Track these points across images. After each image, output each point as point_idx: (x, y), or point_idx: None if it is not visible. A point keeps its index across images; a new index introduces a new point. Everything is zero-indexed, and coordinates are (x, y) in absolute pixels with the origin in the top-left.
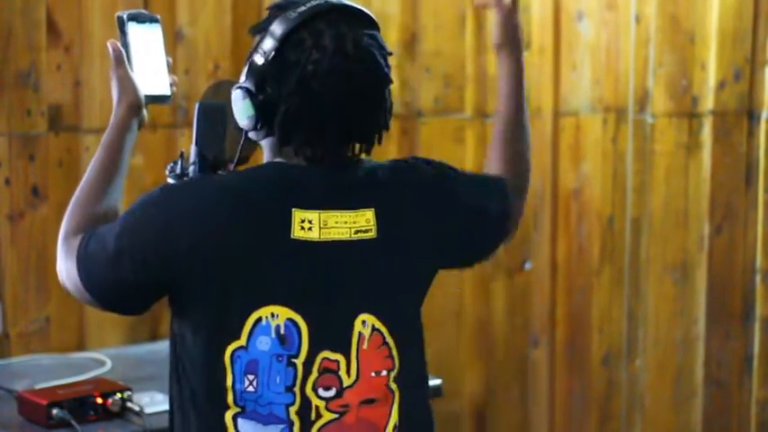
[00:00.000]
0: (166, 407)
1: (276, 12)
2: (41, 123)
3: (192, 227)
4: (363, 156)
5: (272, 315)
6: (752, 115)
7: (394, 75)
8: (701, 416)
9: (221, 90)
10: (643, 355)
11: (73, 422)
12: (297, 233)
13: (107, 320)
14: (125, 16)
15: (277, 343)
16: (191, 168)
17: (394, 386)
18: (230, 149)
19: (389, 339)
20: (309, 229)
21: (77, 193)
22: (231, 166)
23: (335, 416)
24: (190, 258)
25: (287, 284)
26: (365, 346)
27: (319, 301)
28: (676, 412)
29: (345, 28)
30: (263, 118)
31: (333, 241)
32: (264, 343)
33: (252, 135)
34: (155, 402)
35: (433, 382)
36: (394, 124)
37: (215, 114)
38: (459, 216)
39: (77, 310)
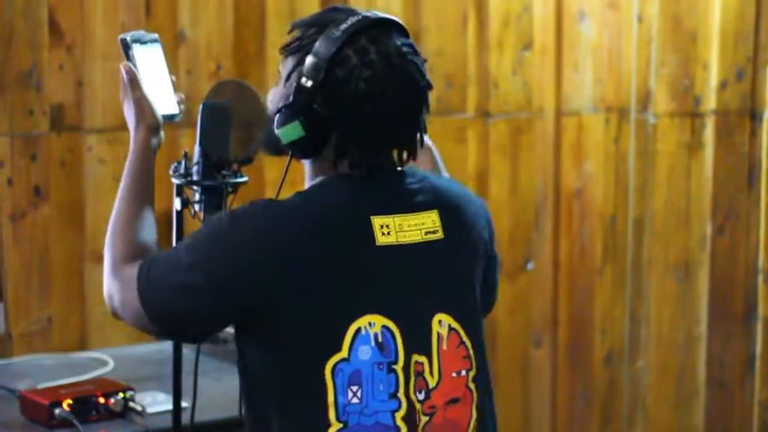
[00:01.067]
0: (168, 407)
1: (310, 30)
2: (43, 123)
3: (270, 251)
4: (410, 160)
5: (370, 324)
6: (754, 115)
7: None
8: (702, 416)
9: (224, 90)
10: (645, 355)
11: (75, 422)
12: (380, 240)
13: (109, 320)
14: (128, 38)
15: (377, 351)
16: (194, 168)
17: (473, 386)
18: (234, 149)
19: (466, 339)
20: (388, 234)
21: (114, 223)
22: (234, 167)
23: (427, 418)
24: (269, 284)
25: (377, 291)
26: (445, 347)
27: (405, 305)
28: (678, 412)
29: (387, 42)
30: (318, 139)
31: (408, 244)
32: (365, 353)
33: (299, 154)
34: (157, 402)
35: None
36: None
37: (219, 114)
38: (491, 246)
39: (79, 310)
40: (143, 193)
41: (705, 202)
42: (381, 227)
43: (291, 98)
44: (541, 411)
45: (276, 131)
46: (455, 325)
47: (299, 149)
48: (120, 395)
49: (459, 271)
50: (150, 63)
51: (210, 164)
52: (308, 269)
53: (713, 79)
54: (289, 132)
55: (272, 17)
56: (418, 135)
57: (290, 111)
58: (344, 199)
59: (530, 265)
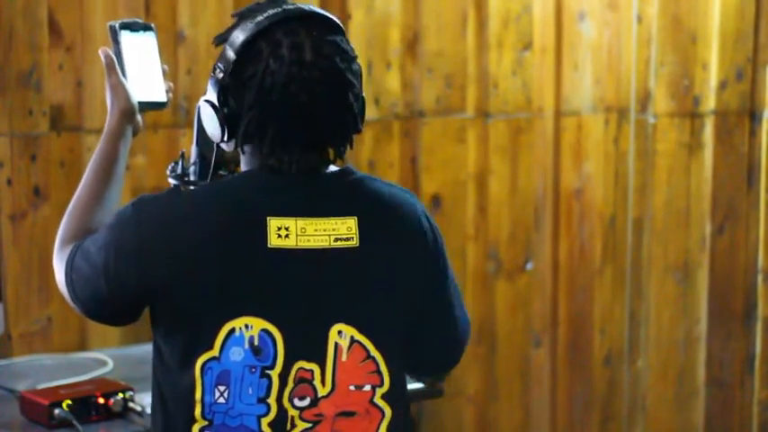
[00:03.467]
0: None
1: (237, 21)
2: (43, 123)
3: (163, 242)
4: (337, 161)
5: (246, 326)
6: (753, 115)
7: (395, 74)
8: (702, 416)
9: None
10: (645, 355)
11: (75, 422)
12: (273, 242)
13: None
14: (117, 25)
15: (250, 354)
16: (191, 168)
17: (382, 403)
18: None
19: (375, 354)
20: (287, 236)
21: (73, 200)
22: (238, 169)
23: (309, 425)
24: (164, 273)
25: (262, 295)
26: (344, 358)
27: (294, 311)
28: (678, 412)
29: (304, 36)
30: (230, 130)
31: (310, 249)
32: (237, 354)
33: (223, 146)
34: None
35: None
36: (395, 124)
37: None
38: (435, 285)
39: None
40: (106, 176)
41: (705, 202)
42: (279, 228)
43: (208, 89)
44: (541, 411)
45: (203, 121)
46: (359, 337)
47: (218, 141)
48: (120, 395)
49: (372, 282)
50: (139, 50)
51: (207, 164)
52: (191, 263)
53: (713, 79)
54: (208, 123)
55: None
56: (342, 135)
57: (207, 102)
58: (243, 196)
59: (529, 265)
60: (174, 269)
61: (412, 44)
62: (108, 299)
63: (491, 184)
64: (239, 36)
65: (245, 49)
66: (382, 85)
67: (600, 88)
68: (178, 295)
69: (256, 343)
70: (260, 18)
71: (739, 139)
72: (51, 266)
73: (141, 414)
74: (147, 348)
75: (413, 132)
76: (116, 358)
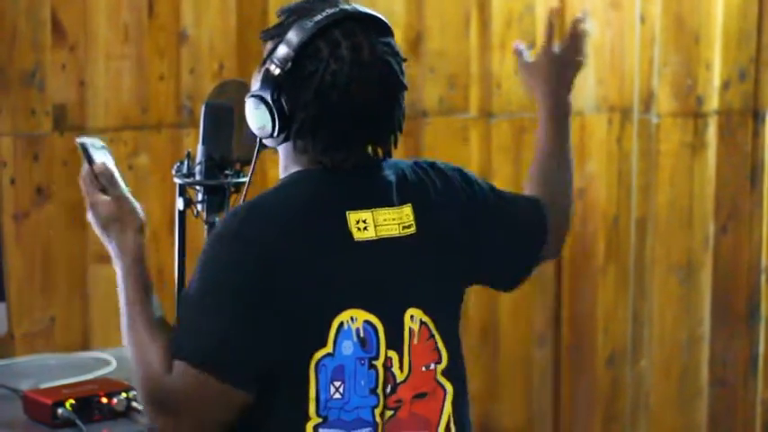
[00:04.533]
0: None
1: (290, 18)
2: (46, 123)
3: (249, 265)
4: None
5: (352, 319)
6: (757, 115)
7: None
8: (706, 416)
9: (227, 90)
10: (648, 355)
11: (78, 422)
12: (357, 235)
13: (112, 320)
14: (87, 142)
15: (359, 346)
16: (197, 168)
17: (443, 380)
18: (237, 149)
19: (435, 332)
20: (365, 228)
21: (132, 334)
22: (247, 168)
23: (391, 412)
24: (264, 289)
25: (359, 286)
26: (416, 341)
27: (385, 300)
28: (681, 412)
29: (361, 36)
30: (280, 126)
31: (387, 238)
32: (348, 348)
33: (267, 142)
34: None
35: None
36: None
37: (222, 114)
38: (489, 221)
39: (82, 310)
40: (149, 298)
41: (708, 202)
42: (357, 221)
43: (259, 84)
44: (544, 411)
45: (247, 116)
46: (425, 319)
47: (264, 136)
48: (123, 395)
49: (431, 264)
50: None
51: (213, 164)
52: (289, 270)
53: (716, 79)
54: (256, 118)
55: (275, 17)
56: (390, 134)
57: (258, 97)
58: (317, 195)
59: None
60: (271, 281)
61: (415, 44)
62: (249, 327)
63: (495, 184)
64: (298, 34)
65: (303, 48)
66: None
67: (603, 88)
68: (280, 303)
69: (362, 335)
70: (319, 17)
71: (742, 138)
72: (54, 266)
73: (144, 414)
74: None
75: (416, 132)
76: (119, 358)
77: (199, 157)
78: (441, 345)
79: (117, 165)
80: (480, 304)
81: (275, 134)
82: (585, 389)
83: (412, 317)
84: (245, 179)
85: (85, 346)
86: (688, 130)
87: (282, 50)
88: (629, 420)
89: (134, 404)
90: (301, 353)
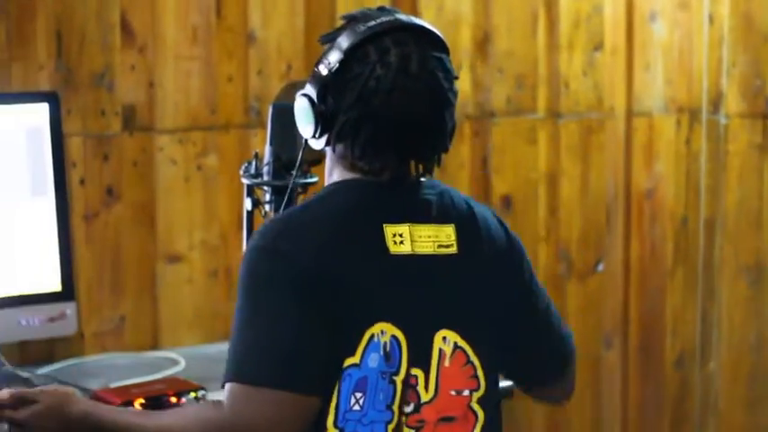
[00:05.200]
0: None
1: (347, 23)
2: (115, 124)
3: (298, 273)
4: (424, 176)
5: (382, 332)
6: None
7: (465, 74)
8: None
9: (295, 91)
10: (717, 357)
11: None
12: (393, 248)
13: (181, 320)
14: None
15: (383, 360)
16: (264, 169)
17: (477, 407)
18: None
19: (474, 359)
20: (401, 242)
21: None
22: (303, 167)
23: (412, 431)
24: (303, 295)
25: (391, 301)
26: (447, 363)
27: (413, 317)
28: (750, 414)
29: (412, 47)
30: (323, 127)
31: (422, 255)
32: (374, 360)
33: (312, 143)
34: None
35: (505, 382)
36: (466, 125)
37: (289, 115)
38: (526, 295)
39: (152, 310)
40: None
41: None
42: (394, 235)
43: (307, 84)
44: (612, 413)
45: (296, 114)
46: (462, 343)
47: (309, 136)
48: (192, 394)
49: (472, 289)
50: None
51: (280, 164)
52: (326, 283)
53: None
54: (302, 117)
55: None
56: (432, 150)
57: (305, 96)
58: (354, 207)
59: (600, 267)
60: (309, 289)
61: (482, 44)
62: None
63: (562, 185)
64: (349, 38)
65: (353, 51)
66: None
67: (671, 89)
68: (322, 310)
69: (388, 349)
70: (372, 23)
71: None
72: (124, 265)
73: None
74: (219, 348)
75: (483, 133)
76: (188, 357)
77: (266, 157)
78: (480, 372)
79: (185, 164)
80: None
81: (317, 135)
82: (654, 391)
83: (444, 338)
84: (313, 179)
85: (155, 345)
86: (756, 130)
87: (333, 52)
88: (697, 422)
89: None
90: (336, 360)
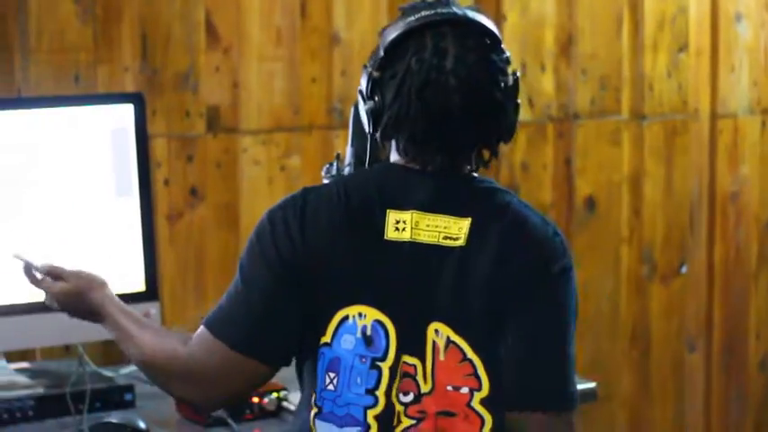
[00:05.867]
0: None
1: (399, 16)
2: (200, 124)
3: (293, 233)
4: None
5: (360, 315)
6: None
7: (549, 76)
8: None
9: None
10: None
11: (230, 420)
12: (390, 234)
13: None
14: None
15: (362, 343)
16: (346, 169)
17: (481, 409)
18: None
19: (473, 357)
20: (403, 229)
21: (145, 348)
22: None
23: (413, 422)
24: (291, 264)
25: (377, 285)
26: (441, 357)
27: (404, 304)
28: None
29: (450, 42)
30: (375, 123)
31: (420, 243)
32: (348, 342)
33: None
34: None
35: (587, 384)
36: (549, 126)
37: None
38: (544, 314)
39: None
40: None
41: None
42: (397, 221)
43: (361, 79)
44: (695, 416)
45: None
46: (455, 338)
47: (368, 131)
48: (274, 394)
49: (473, 286)
50: None
51: (362, 165)
52: (312, 250)
53: None
54: (362, 113)
55: None
56: (472, 147)
57: (359, 93)
58: (369, 189)
59: (684, 269)
60: (299, 257)
61: (566, 46)
62: (267, 311)
63: (646, 187)
64: (391, 33)
65: (393, 47)
66: (536, 86)
67: (756, 90)
68: (302, 282)
69: (369, 333)
70: (411, 18)
71: None
72: (207, 266)
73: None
74: None
75: (567, 134)
76: None
77: (348, 158)
78: (482, 371)
79: (268, 165)
80: (631, 307)
81: (370, 131)
82: (737, 394)
83: (437, 331)
84: None
85: None
86: None
87: (378, 48)
88: None
89: (284, 404)
90: (311, 340)
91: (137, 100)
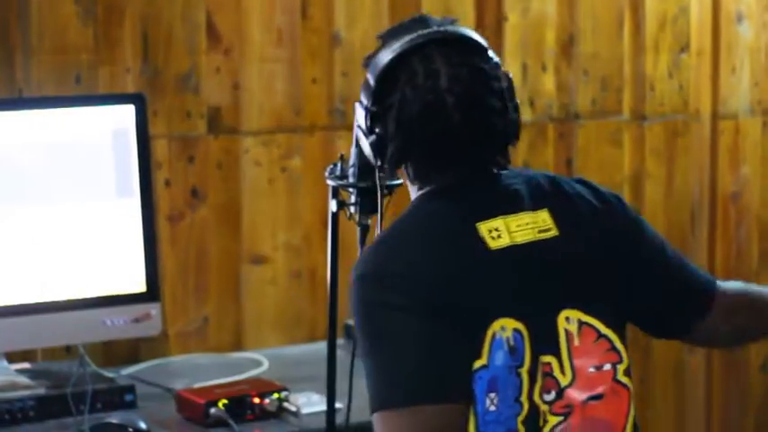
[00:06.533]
0: (323, 407)
1: (381, 45)
2: (201, 125)
3: (410, 291)
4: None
5: (502, 328)
6: None
7: (550, 76)
8: None
9: None
10: None
11: (230, 421)
12: (492, 244)
13: (265, 321)
14: None
15: (509, 355)
16: (350, 171)
17: (626, 379)
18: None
19: (607, 332)
20: (499, 236)
21: None
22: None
23: (560, 418)
24: (422, 313)
25: (503, 296)
26: (576, 343)
27: (529, 305)
28: None
29: (440, 61)
30: (380, 156)
31: (523, 244)
32: (500, 358)
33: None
34: (311, 403)
35: None
36: (551, 127)
37: None
38: (641, 240)
39: (235, 311)
40: None
41: None
42: (490, 231)
43: (356, 112)
44: (696, 418)
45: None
46: (587, 319)
47: (374, 164)
48: (275, 395)
49: (582, 263)
50: None
51: (368, 168)
52: (439, 293)
53: None
54: (364, 147)
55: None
56: (488, 156)
57: (359, 128)
58: (445, 212)
59: None
60: (431, 301)
61: (567, 46)
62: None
63: (647, 187)
64: (378, 64)
65: (383, 78)
66: (537, 86)
67: (758, 91)
68: (441, 320)
69: (512, 343)
70: (396, 45)
71: None
72: (208, 267)
73: (296, 414)
74: (302, 349)
75: (568, 135)
76: (271, 358)
77: (352, 159)
78: (618, 344)
79: (269, 166)
80: None
81: (378, 164)
82: (738, 395)
83: (567, 318)
84: (399, 181)
85: (238, 346)
86: None
87: (368, 81)
88: None
89: (285, 404)
90: (466, 366)
91: (138, 101)
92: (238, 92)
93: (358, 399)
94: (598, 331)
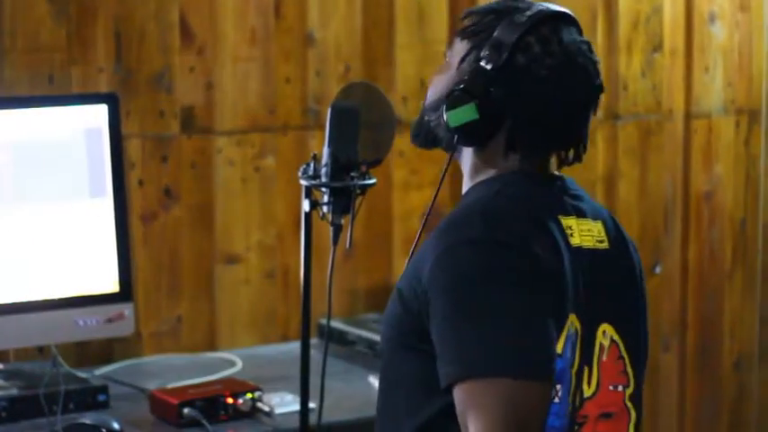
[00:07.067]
0: (296, 407)
1: (489, 16)
2: (174, 125)
3: (522, 259)
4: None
5: (572, 323)
6: None
7: None
8: None
9: (353, 92)
10: None
11: (204, 421)
12: (573, 240)
13: (238, 321)
14: None
15: (571, 351)
16: (323, 170)
17: (630, 405)
18: (363, 151)
19: (625, 354)
20: (572, 235)
21: None
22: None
23: (576, 427)
24: (531, 285)
25: (575, 293)
26: (605, 358)
27: (585, 309)
28: None
29: (567, 35)
30: (489, 124)
31: (586, 248)
32: (568, 351)
33: (463, 142)
34: (284, 403)
35: None
36: None
37: (348, 116)
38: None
39: (209, 311)
40: None
41: None
42: (567, 227)
43: (467, 80)
44: (669, 416)
45: (445, 115)
46: (616, 338)
47: (468, 135)
48: (248, 395)
49: (623, 283)
50: None
51: (339, 166)
52: (539, 270)
53: None
54: (460, 115)
55: (401, 20)
56: (585, 138)
57: (465, 93)
58: (534, 198)
59: (658, 269)
60: (537, 275)
61: None
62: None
63: (620, 187)
64: (509, 30)
65: (516, 43)
66: None
67: (731, 90)
68: (542, 299)
69: (573, 340)
70: (529, 13)
71: None
72: (181, 267)
73: (269, 414)
74: (275, 349)
75: None
76: (245, 358)
77: (324, 159)
78: (629, 368)
79: (243, 166)
80: None
81: (482, 133)
82: (711, 394)
83: (604, 332)
84: (371, 181)
85: (212, 346)
86: None
87: (492, 46)
88: (755, 426)
89: (259, 404)
90: (556, 349)
91: (111, 100)
92: (212, 91)
93: (331, 399)
94: (620, 351)
